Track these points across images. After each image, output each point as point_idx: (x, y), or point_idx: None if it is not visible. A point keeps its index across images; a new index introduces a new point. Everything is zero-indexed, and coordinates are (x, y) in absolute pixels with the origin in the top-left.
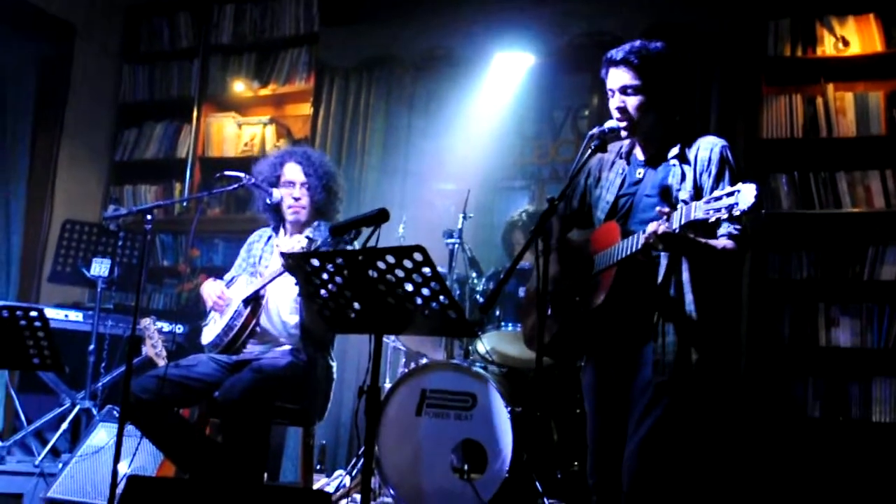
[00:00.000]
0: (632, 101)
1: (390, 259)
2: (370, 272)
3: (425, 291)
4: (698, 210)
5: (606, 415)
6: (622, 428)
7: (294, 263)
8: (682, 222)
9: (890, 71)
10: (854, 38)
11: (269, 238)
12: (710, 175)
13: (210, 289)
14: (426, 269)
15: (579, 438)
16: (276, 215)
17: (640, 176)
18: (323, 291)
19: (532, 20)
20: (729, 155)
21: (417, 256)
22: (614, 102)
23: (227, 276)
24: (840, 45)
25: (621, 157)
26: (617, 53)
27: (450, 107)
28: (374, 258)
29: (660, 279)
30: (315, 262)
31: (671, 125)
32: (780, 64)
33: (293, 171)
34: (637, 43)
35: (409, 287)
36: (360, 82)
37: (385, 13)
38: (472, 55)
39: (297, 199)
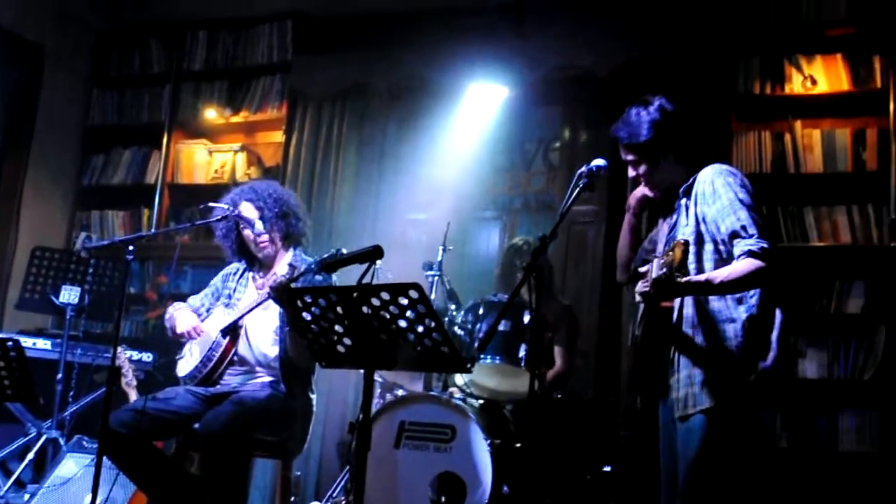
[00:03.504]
0: (640, 170)
1: (385, 296)
2: (364, 308)
3: (419, 328)
4: (658, 268)
5: (664, 452)
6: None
7: (285, 297)
8: (651, 280)
9: (856, 109)
10: (821, 76)
11: (244, 272)
12: (710, 205)
13: (186, 320)
14: (421, 307)
15: (560, 471)
16: (245, 256)
17: (675, 218)
18: (314, 326)
19: (507, 53)
20: (726, 181)
21: (413, 294)
22: (630, 171)
23: (194, 301)
24: (808, 83)
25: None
26: (613, 129)
27: (423, 137)
28: (369, 295)
29: (675, 317)
30: (308, 298)
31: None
32: (749, 100)
33: (247, 210)
34: (628, 115)
35: (403, 324)
36: (334, 111)
37: (359, 42)
38: (446, 86)
39: (259, 235)
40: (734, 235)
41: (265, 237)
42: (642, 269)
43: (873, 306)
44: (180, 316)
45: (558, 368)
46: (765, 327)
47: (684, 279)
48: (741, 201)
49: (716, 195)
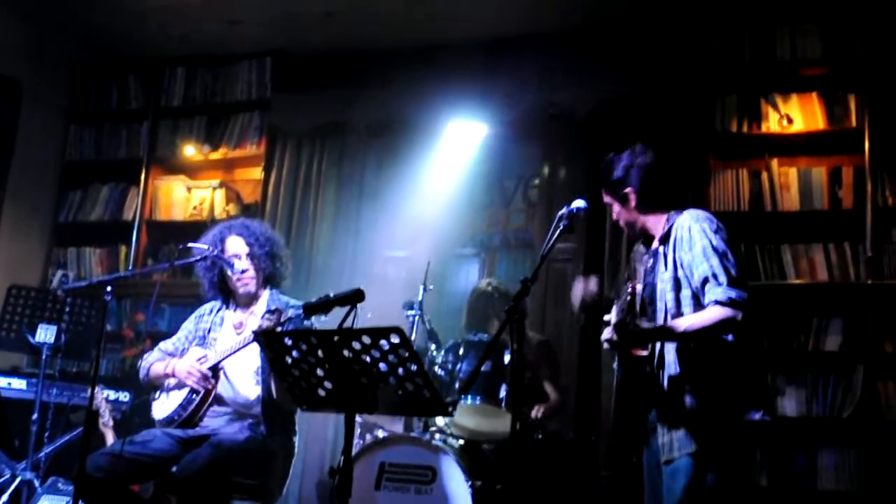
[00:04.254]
0: (614, 211)
1: (366, 340)
2: (345, 352)
3: (401, 372)
4: (616, 314)
5: (648, 497)
6: None
7: (266, 341)
8: (613, 326)
9: (831, 148)
10: (797, 115)
11: (219, 310)
12: (687, 251)
13: (184, 366)
14: (403, 351)
15: None
16: (222, 292)
17: (652, 263)
18: (295, 370)
19: (486, 91)
20: (701, 227)
21: (395, 338)
22: (612, 214)
23: (167, 346)
24: (784, 122)
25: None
26: (597, 175)
27: (402, 175)
28: (350, 338)
29: (655, 362)
30: (288, 341)
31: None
32: (726, 139)
33: (236, 244)
34: (607, 160)
35: (384, 367)
36: (313, 149)
37: (338, 80)
38: (425, 124)
39: (244, 271)
40: (705, 282)
41: (250, 273)
42: (606, 318)
43: (851, 344)
44: (178, 364)
45: (553, 401)
46: (744, 371)
47: (649, 325)
48: (715, 249)
49: (692, 241)
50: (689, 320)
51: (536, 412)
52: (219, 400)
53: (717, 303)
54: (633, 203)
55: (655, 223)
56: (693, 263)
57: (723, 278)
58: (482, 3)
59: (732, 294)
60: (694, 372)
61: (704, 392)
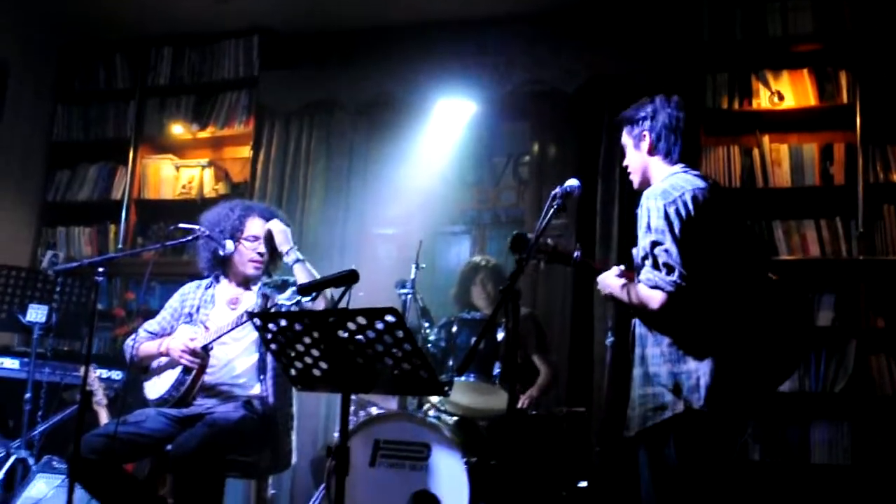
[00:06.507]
0: (628, 160)
1: (361, 320)
2: (340, 333)
3: (396, 352)
4: None
5: None
6: None
7: (261, 322)
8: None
9: (822, 124)
10: (788, 92)
11: (209, 287)
12: (638, 228)
13: (177, 344)
14: (398, 331)
15: (536, 488)
16: (220, 267)
17: None
18: (290, 350)
19: (474, 69)
20: (649, 205)
21: (390, 318)
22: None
23: (151, 326)
24: (775, 98)
25: None
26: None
27: (391, 152)
28: (346, 319)
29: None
30: (283, 322)
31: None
32: (717, 115)
33: (259, 226)
34: (639, 102)
35: (380, 348)
36: (301, 126)
37: (326, 58)
38: (414, 101)
39: (261, 254)
40: (642, 261)
41: (266, 256)
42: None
43: (843, 319)
44: (172, 342)
45: (544, 378)
46: (686, 359)
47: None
48: (654, 229)
49: (640, 219)
50: (626, 293)
51: (523, 403)
52: (212, 378)
53: (642, 283)
54: (647, 145)
55: (657, 177)
56: (639, 241)
57: (649, 260)
58: None
59: (651, 276)
60: (645, 353)
61: (648, 375)
